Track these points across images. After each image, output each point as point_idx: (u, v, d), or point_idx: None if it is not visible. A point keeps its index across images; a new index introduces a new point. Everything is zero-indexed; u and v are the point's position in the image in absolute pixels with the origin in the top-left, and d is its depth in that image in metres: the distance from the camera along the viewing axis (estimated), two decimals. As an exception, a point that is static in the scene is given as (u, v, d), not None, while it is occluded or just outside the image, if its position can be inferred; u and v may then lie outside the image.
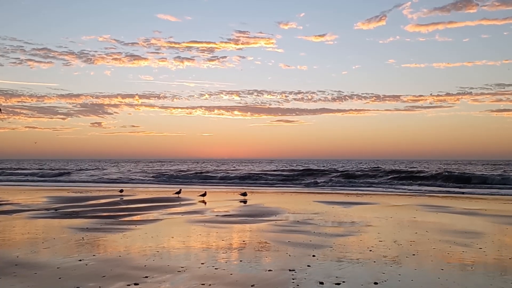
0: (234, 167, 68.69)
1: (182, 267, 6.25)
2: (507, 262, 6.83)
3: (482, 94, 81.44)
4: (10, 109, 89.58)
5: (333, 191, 25.30)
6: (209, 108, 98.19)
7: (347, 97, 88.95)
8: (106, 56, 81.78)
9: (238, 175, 42.09)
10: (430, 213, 13.57)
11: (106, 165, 76.56)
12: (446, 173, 36.71)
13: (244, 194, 19.75)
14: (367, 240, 8.58)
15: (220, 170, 54.93)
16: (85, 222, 11.02)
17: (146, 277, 5.73)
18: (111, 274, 5.86)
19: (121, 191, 22.29)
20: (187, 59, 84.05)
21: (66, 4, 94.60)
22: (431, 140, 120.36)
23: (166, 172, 48.21)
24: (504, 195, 22.27)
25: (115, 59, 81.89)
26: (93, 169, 57.41)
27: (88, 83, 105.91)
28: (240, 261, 6.74)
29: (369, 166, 58.84)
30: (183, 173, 45.70)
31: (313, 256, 7.08)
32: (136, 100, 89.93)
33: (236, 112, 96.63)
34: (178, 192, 20.26)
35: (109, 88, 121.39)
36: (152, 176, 42.38)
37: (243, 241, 8.54)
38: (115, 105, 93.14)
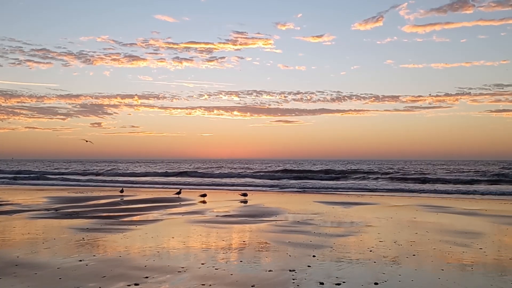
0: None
1: (182, 268, 6.25)
2: (507, 262, 6.83)
3: (481, 94, 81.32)
4: (10, 110, 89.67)
5: (333, 192, 25.29)
6: (209, 109, 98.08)
7: (346, 98, 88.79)
8: (105, 57, 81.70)
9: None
10: (430, 213, 13.57)
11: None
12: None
13: (245, 194, 19.79)
14: (367, 241, 8.58)
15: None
16: (86, 223, 11.03)
17: (147, 277, 5.74)
18: (111, 275, 5.86)
19: (122, 191, 22.31)
20: (186, 59, 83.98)
21: (64, 5, 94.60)
22: (431, 141, 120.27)
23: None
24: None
25: (114, 59, 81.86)
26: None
27: (88, 83, 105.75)
28: (241, 261, 6.74)
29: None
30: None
31: (314, 256, 7.08)
32: (136, 100, 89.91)
33: (235, 113, 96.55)
34: (179, 193, 20.32)
35: (108, 89, 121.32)
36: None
37: (243, 241, 8.54)
38: (115, 106, 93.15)
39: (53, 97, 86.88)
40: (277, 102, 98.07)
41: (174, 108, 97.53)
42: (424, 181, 33.39)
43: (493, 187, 26.75)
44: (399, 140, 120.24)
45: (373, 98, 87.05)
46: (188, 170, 56.35)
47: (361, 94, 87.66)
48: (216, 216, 12.65)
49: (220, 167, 68.77)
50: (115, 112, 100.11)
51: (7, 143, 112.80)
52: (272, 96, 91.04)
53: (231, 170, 55.17)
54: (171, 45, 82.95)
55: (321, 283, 5.50)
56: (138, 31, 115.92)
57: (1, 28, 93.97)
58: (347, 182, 34.49)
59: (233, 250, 7.60)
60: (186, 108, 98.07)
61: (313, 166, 70.38)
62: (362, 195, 22.40)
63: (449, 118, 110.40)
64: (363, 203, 17.13)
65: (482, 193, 23.15)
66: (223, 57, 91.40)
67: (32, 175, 44.54)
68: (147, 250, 7.51)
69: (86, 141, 25.26)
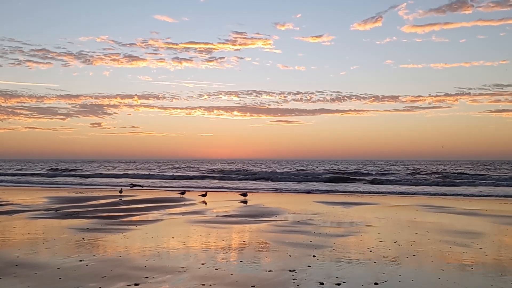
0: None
1: (182, 268, 6.25)
2: (507, 262, 6.83)
3: (480, 94, 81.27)
4: (10, 110, 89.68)
5: (333, 192, 25.28)
6: (208, 109, 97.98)
7: (346, 98, 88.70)
8: (104, 57, 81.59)
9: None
10: (430, 213, 13.57)
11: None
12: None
13: (245, 194, 19.82)
14: (367, 241, 8.58)
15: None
16: (86, 223, 11.02)
17: (147, 277, 5.74)
18: (111, 275, 5.86)
19: (121, 191, 22.31)
20: (185, 59, 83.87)
21: (64, 5, 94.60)
22: (431, 141, 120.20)
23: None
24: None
25: (114, 59, 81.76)
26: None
27: (87, 83, 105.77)
28: (241, 261, 6.74)
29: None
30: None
31: (314, 256, 7.08)
32: (135, 100, 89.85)
33: (235, 113, 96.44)
34: (183, 193, 20.44)
35: (108, 89, 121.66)
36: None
37: (243, 241, 8.54)
38: (115, 106, 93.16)
39: (53, 97, 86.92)
40: (277, 102, 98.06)
41: (174, 108, 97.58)
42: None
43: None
44: (399, 140, 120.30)
45: (372, 98, 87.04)
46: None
47: (360, 94, 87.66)
48: (216, 216, 12.65)
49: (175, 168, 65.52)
50: (115, 112, 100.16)
51: (7, 143, 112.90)
52: (272, 96, 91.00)
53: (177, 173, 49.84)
54: (171, 45, 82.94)
55: (321, 283, 5.50)
56: (137, 31, 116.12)
57: (1, 28, 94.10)
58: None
59: (233, 250, 7.59)
60: (186, 108, 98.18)
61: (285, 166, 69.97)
62: (362, 195, 22.40)
63: (449, 118, 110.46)
64: (363, 203, 17.13)
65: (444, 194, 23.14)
66: (223, 57, 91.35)
67: None
68: (147, 250, 7.51)
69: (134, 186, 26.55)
